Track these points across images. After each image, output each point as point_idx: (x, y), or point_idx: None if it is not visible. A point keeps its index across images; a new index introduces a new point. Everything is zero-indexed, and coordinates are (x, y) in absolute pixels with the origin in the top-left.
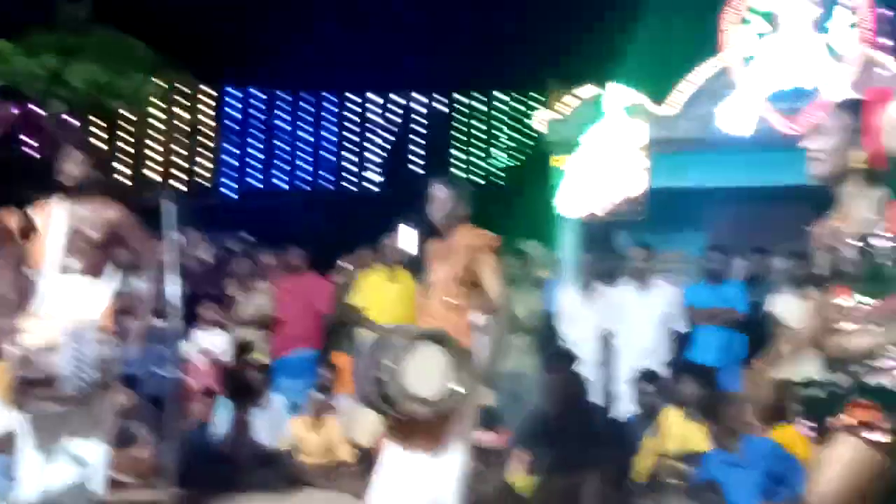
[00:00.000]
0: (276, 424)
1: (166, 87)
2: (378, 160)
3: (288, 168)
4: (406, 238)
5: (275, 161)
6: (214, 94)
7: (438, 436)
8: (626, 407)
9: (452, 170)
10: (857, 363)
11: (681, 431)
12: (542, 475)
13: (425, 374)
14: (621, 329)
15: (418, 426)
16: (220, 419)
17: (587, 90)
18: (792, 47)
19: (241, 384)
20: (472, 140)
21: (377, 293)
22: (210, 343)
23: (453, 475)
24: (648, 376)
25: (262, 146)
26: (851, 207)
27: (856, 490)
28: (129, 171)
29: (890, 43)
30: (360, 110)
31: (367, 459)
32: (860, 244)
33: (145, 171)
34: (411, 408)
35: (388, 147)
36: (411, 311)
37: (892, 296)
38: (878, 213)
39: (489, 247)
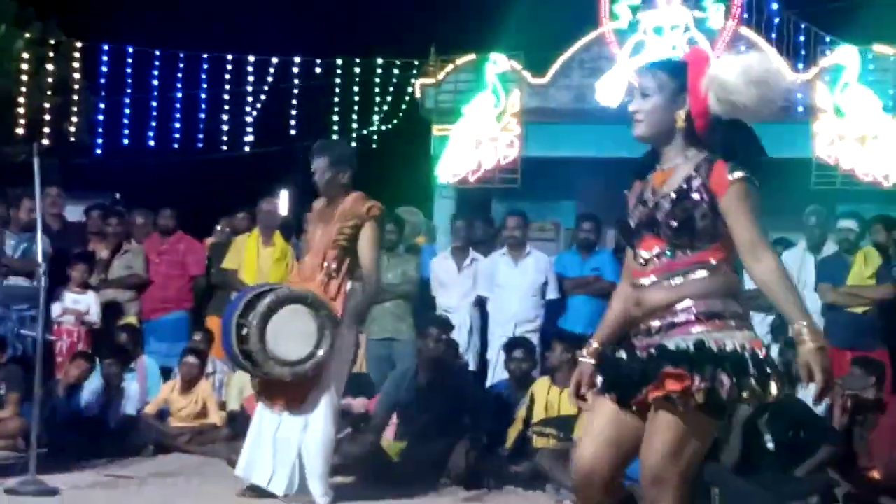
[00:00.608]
0: (147, 387)
1: (34, 40)
2: (254, 122)
3: (161, 128)
4: (281, 201)
5: (148, 120)
6: (84, 48)
7: (304, 396)
8: (498, 373)
9: (335, 135)
10: (654, 318)
11: (549, 399)
12: (413, 440)
13: (289, 336)
14: (494, 297)
15: (285, 387)
16: (90, 382)
17: (465, 58)
18: (664, 21)
19: (111, 346)
20: (350, 105)
21: (252, 256)
22: (79, 304)
23: (317, 437)
24: (520, 343)
25: (134, 104)
26: (672, 166)
27: (693, 456)
28: None
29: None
30: (236, 71)
31: (237, 423)
32: (672, 197)
33: (12, 128)
34: (273, 369)
35: (265, 109)
36: (285, 274)
37: (701, 252)
38: (696, 171)
39: (370, 215)
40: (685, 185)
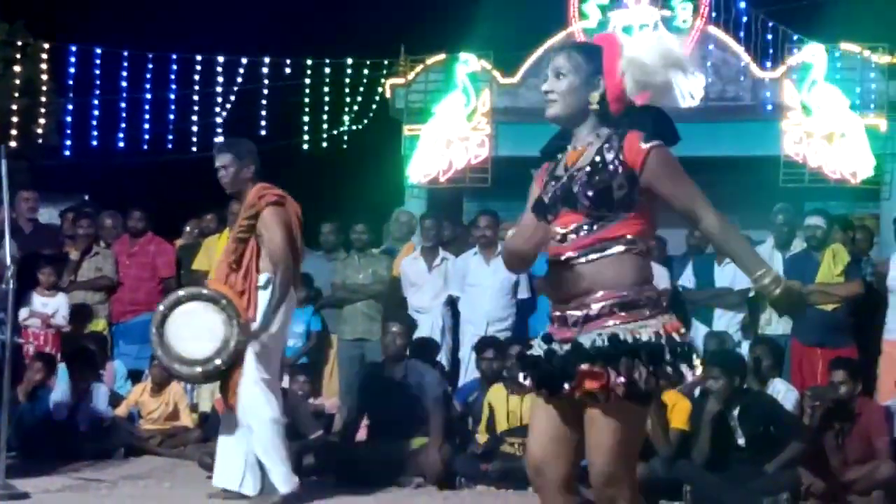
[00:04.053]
0: (117, 390)
1: (0, 41)
2: (223, 123)
3: (130, 129)
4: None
5: (117, 122)
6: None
7: (231, 389)
8: (470, 373)
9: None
10: (571, 307)
11: (510, 408)
12: (383, 440)
13: (194, 335)
14: (466, 296)
15: (225, 387)
16: (59, 385)
17: (435, 58)
18: (633, 20)
19: (80, 350)
20: (320, 105)
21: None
22: (46, 307)
23: (260, 432)
24: (490, 343)
25: (103, 106)
26: (584, 144)
27: (634, 445)
28: None
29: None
30: (205, 72)
31: (209, 425)
32: (587, 170)
33: None
34: (182, 370)
35: (234, 110)
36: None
37: (618, 223)
38: (609, 143)
39: (265, 201)
40: (598, 158)
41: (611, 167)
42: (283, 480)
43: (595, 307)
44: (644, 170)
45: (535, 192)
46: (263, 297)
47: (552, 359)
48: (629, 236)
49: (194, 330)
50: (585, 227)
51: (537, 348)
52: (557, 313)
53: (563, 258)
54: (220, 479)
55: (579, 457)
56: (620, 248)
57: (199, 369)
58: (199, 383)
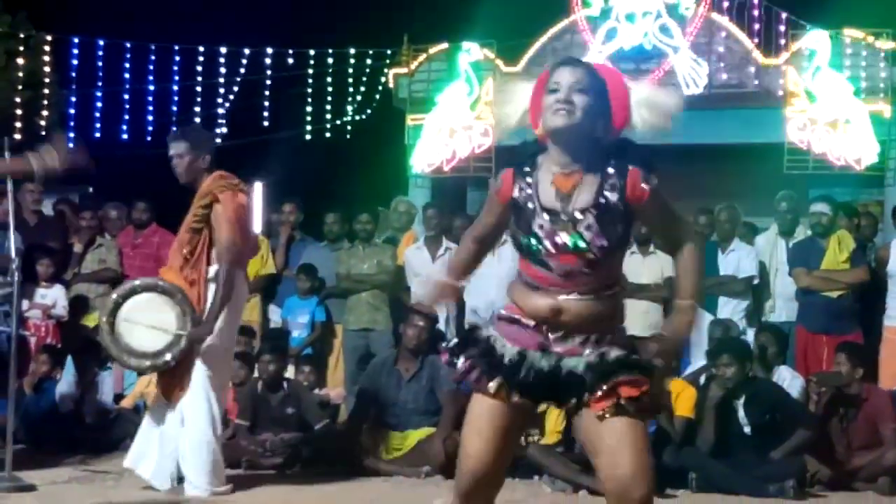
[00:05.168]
0: (123, 381)
1: (3, 33)
2: (226, 114)
3: (133, 121)
4: (254, 193)
5: (120, 113)
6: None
7: (180, 387)
8: None
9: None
10: (574, 333)
11: None
12: (392, 431)
13: (145, 327)
14: (471, 285)
15: (163, 378)
16: (65, 377)
17: (437, 47)
18: (636, 7)
19: (85, 342)
20: (323, 95)
21: None
22: (45, 298)
23: (192, 431)
24: None
25: (106, 97)
26: (573, 171)
27: (646, 454)
28: None
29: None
30: (208, 63)
31: None
32: (594, 213)
33: None
34: (130, 361)
35: (237, 101)
36: (260, 266)
37: (611, 264)
38: (609, 180)
39: (222, 192)
40: (603, 201)
41: (616, 210)
42: (205, 484)
43: (599, 333)
44: (642, 208)
45: (492, 202)
46: (212, 290)
47: (558, 371)
48: (617, 275)
49: (147, 321)
50: (586, 270)
51: (515, 355)
52: (552, 335)
53: (562, 298)
54: (134, 463)
55: (511, 455)
56: (616, 289)
57: (147, 362)
58: (145, 374)
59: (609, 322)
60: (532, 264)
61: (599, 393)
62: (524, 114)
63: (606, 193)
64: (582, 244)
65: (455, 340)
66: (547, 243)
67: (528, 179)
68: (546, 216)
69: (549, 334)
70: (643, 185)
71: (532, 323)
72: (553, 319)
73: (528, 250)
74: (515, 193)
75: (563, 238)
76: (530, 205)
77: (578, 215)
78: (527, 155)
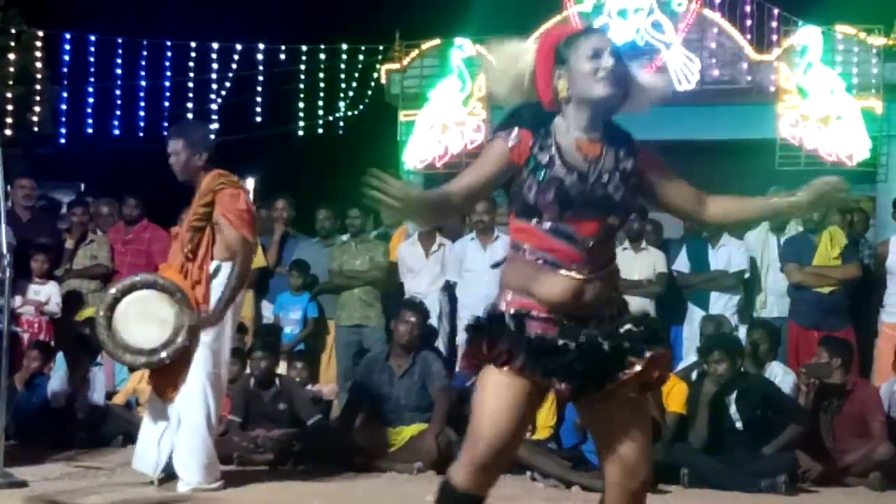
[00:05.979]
0: (114, 377)
1: None
2: (218, 110)
3: (125, 116)
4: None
5: (112, 109)
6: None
7: (174, 385)
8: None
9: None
10: (589, 308)
11: None
12: (382, 426)
13: (143, 324)
14: (463, 282)
15: (158, 375)
16: (57, 373)
17: (430, 43)
18: (628, 3)
19: (78, 337)
20: (315, 91)
21: None
22: (38, 294)
23: (188, 427)
24: None
25: (98, 93)
26: (594, 138)
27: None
28: None
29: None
30: (200, 59)
31: None
32: (618, 176)
33: None
34: (125, 357)
35: (229, 97)
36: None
37: (613, 239)
38: (625, 149)
39: (225, 190)
40: (623, 166)
41: (633, 178)
42: (199, 480)
43: (612, 306)
44: (657, 172)
45: (500, 158)
46: (214, 286)
47: (591, 351)
48: (614, 252)
49: (144, 318)
50: (602, 242)
51: (535, 336)
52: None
53: (579, 276)
54: (139, 464)
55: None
56: (614, 265)
57: (142, 359)
58: (138, 370)
59: (617, 298)
60: (551, 236)
61: (631, 371)
62: (530, 76)
63: (626, 161)
64: (615, 202)
65: (481, 316)
66: (578, 204)
67: (548, 141)
68: (575, 176)
69: (565, 322)
70: (653, 155)
71: (544, 315)
72: (573, 302)
73: (554, 214)
74: (536, 153)
75: (597, 195)
76: (556, 165)
77: (605, 177)
78: (542, 117)
